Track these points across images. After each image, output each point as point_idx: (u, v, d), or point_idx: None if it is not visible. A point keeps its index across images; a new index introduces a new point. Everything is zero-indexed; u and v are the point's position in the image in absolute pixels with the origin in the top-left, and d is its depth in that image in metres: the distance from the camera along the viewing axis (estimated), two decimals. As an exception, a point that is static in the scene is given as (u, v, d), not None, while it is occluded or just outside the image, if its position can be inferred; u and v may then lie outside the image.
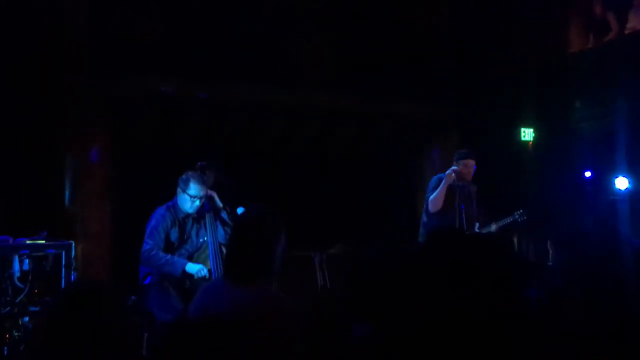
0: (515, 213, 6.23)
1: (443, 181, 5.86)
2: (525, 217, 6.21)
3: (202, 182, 4.68)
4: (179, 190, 4.69)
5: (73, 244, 5.16)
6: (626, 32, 7.60)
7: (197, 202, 4.66)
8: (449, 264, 1.18)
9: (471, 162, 5.96)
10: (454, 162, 6.01)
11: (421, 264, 1.22)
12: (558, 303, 2.06)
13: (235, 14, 6.64)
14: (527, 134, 8.02)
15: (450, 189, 5.87)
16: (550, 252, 6.39)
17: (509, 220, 6.24)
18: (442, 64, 7.59)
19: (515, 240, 6.73)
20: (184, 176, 4.69)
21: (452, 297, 1.14)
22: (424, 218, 6.13)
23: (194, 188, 4.62)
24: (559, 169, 7.70)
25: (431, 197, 5.92)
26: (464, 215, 5.82)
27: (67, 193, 6.14)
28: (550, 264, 6.28)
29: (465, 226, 5.85)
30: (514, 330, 1.12)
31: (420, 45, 7.44)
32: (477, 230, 6.16)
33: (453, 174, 5.84)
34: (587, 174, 7.76)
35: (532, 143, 8.03)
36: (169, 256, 4.59)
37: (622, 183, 7.10)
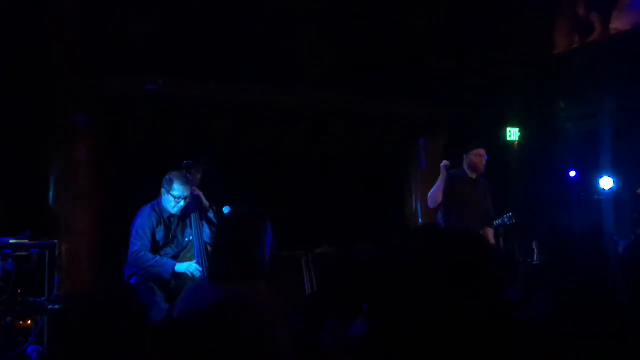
0: (505, 216, 6.23)
1: (441, 175, 5.66)
2: (514, 221, 6.20)
3: (187, 182, 4.63)
4: (163, 191, 4.65)
5: (57, 244, 5.11)
6: (611, 32, 7.66)
7: (182, 203, 4.62)
8: (435, 263, 1.18)
9: (482, 152, 5.74)
10: (465, 155, 5.81)
11: (407, 263, 1.21)
12: (546, 304, 2.07)
13: (233, 13, 6.60)
14: (513, 133, 8.06)
15: (456, 182, 5.69)
16: (536, 251, 6.45)
17: (498, 222, 6.25)
18: (430, 64, 7.61)
19: (501, 239, 6.76)
20: (167, 177, 4.64)
21: (436, 295, 1.13)
22: (439, 215, 5.90)
23: (177, 189, 4.58)
24: (545, 168, 7.75)
25: (429, 193, 5.74)
26: (467, 211, 5.65)
27: (51, 192, 6.07)
28: (535, 263, 6.34)
29: (472, 222, 5.65)
30: (507, 330, 1.12)
31: (413, 45, 7.45)
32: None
33: (445, 169, 5.65)
34: (572, 173, 7.82)
35: (518, 143, 8.07)
36: (157, 257, 4.55)
37: (606, 183, 7.16)
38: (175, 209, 4.62)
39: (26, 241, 4.82)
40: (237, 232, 2.72)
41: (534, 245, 6.37)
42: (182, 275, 4.53)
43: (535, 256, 6.45)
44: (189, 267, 4.52)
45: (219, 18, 6.53)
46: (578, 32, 8.13)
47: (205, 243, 4.67)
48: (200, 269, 4.52)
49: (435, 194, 5.68)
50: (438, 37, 7.56)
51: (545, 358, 1.81)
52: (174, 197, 4.58)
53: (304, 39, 6.93)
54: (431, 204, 5.75)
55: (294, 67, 6.83)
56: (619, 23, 7.59)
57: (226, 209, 4.77)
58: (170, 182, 4.59)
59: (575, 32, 8.17)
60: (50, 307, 4.42)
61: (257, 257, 2.68)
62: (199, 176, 4.88)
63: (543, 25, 8.24)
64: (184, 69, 6.33)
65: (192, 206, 4.71)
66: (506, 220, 6.22)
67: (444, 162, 5.70)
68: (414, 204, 7.93)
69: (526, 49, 7.98)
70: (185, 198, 4.61)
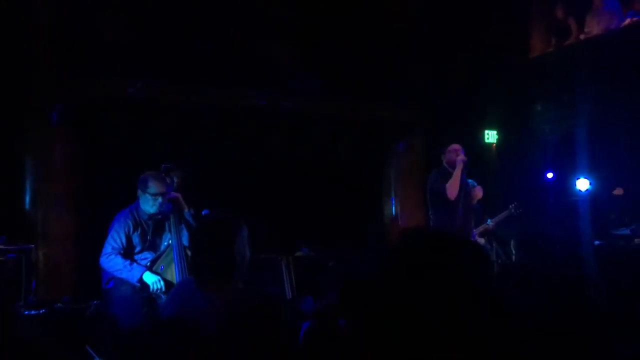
0: (510, 206, 6.34)
1: (457, 167, 5.72)
2: (520, 210, 6.31)
3: (161, 179, 4.63)
4: (139, 192, 4.63)
5: (34, 249, 5.06)
6: (582, 36, 7.77)
7: (160, 200, 4.60)
8: (422, 266, 1.19)
9: (456, 146, 5.87)
10: (442, 155, 5.92)
11: (398, 268, 1.22)
12: (519, 304, 2.09)
13: (204, 18, 6.59)
14: (491, 136, 8.13)
15: (444, 181, 5.76)
16: (514, 253, 6.52)
17: (504, 214, 6.37)
18: (408, 67, 7.66)
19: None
20: (141, 177, 4.64)
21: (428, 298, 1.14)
22: (431, 213, 5.99)
23: (153, 186, 4.57)
24: (522, 170, 7.83)
25: (448, 184, 5.73)
26: (462, 206, 5.71)
27: (27, 196, 6.01)
28: (513, 262, 6.40)
29: (465, 219, 5.77)
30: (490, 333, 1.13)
31: (390, 49, 7.49)
32: (473, 227, 6.23)
33: (463, 164, 5.71)
34: (549, 175, 7.89)
35: (496, 145, 8.14)
36: (127, 262, 4.51)
37: (583, 184, 7.23)
38: (154, 208, 4.59)
39: (2, 246, 4.77)
40: (217, 234, 2.74)
41: (512, 246, 6.44)
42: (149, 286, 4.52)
43: (514, 257, 6.52)
44: (155, 282, 4.47)
45: (197, 23, 6.52)
46: (555, 35, 8.23)
47: (185, 247, 4.64)
48: (164, 290, 4.47)
49: (452, 186, 5.71)
50: (415, 40, 7.61)
51: (521, 356, 1.83)
52: (151, 195, 4.56)
53: (282, 44, 6.94)
54: (451, 194, 5.74)
55: (273, 72, 6.84)
56: (592, 27, 7.70)
57: (205, 213, 4.75)
58: (145, 181, 4.59)
59: (552, 35, 8.28)
60: (27, 312, 4.37)
61: (237, 258, 2.71)
62: (177, 180, 4.86)
63: (520, 29, 8.32)
64: (162, 73, 6.31)
65: (171, 209, 4.68)
66: (512, 210, 6.34)
67: (461, 157, 5.75)
68: (393, 207, 7.96)
69: (503, 52, 8.05)
70: (162, 195, 4.59)
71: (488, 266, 1.29)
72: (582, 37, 7.80)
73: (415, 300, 1.12)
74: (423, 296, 1.12)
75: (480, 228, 6.41)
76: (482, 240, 6.45)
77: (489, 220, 6.42)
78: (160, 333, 1.81)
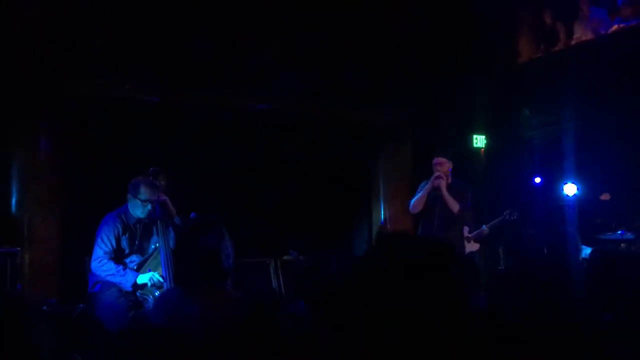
0: (505, 212, 6.34)
1: (429, 183, 5.77)
2: (515, 216, 6.31)
3: (152, 185, 4.63)
4: (129, 196, 4.63)
5: (19, 252, 5.01)
6: (572, 42, 7.82)
7: (149, 206, 4.61)
8: (391, 269, 1.18)
9: (438, 160, 5.85)
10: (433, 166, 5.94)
11: (366, 269, 1.21)
12: (504, 308, 2.09)
13: (202, 18, 6.57)
14: (479, 140, 8.15)
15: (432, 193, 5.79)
16: (501, 257, 6.54)
17: (499, 220, 6.36)
18: (398, 70, 7.66)
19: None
20: (133, 181, 4.65)
21: (394, 300, 1.14)
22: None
23: (144, 192, 4.58)
24: (510, 175, 7.85)
25: (412, 199, 5.83)
26: (438, 220, 5.72)
27: (13, 198, 5.95)
28: (501, 268, 6.42)
29: (441, 231, 5.72)
30: (457, 335, 1.13)
31: (379, 52, 7.50)
32: (467, 234, 6.23)
33: (436, 181, 5.73)
34: (537, 180, 7.93)
35: (484, 150, 8.17)
36: (120, 267, 4.50)
37: (570, 189, 7.27)
38: (144, 213, 4.60)
39: (-14, 249, 4.73)
40: (202, 245, 2.73)
41: (500, 251, 6.46)
42: (146, 285, 4.51)
43: (501, 261, 6.54)
44: (152, 276, 4.48)
45: (184, 24, 6.49)
46: (543, 41, 8.28)
47: (172, 250, 4.63)
48: (162, 279, 4.47)
49: (420, 200, 5.82)
50: (404, 44, 7.62)
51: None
52: (141, 201, 4.57)
53: (268, 45, 6.92)
54: (412, 209, 5.88)
55: (259, 74, 6.82)
56: (580, 33, 7.75)
57: (193, 216, 4.74)
58: (137, 186, 4.59)
59: (540, 41, 8.32)
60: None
61: (224, 262, 2.70)
62: (164, 182, 4.85)
63: (509, 34, 8.37)
64: (149, 74, 6.28)
65: (158, 212, 4.67)
66: (506, 216, 6.33)
67: (438, 174, 5.76)
68: (381, 211, 7.96)
69: (492, 57, 8.08)
70: (152, 201, 4.59)
71: (468, 271, 1.29)
72: (573, 41, 7.84)
73: (387, 304, 1.12)
74: (390, 297, 1.12)
75: (475, 233, 6.43)
76: (477, 246, 6.44)
77: (483, 226, 6.43)
78: (149, 339, 1.79)
